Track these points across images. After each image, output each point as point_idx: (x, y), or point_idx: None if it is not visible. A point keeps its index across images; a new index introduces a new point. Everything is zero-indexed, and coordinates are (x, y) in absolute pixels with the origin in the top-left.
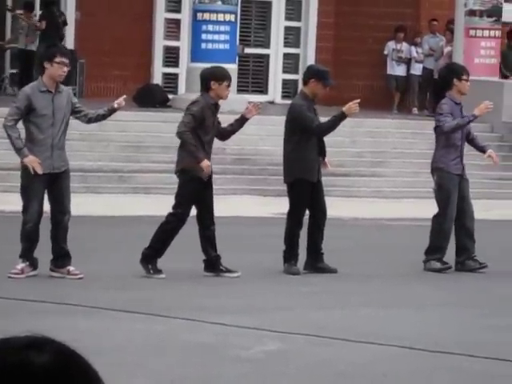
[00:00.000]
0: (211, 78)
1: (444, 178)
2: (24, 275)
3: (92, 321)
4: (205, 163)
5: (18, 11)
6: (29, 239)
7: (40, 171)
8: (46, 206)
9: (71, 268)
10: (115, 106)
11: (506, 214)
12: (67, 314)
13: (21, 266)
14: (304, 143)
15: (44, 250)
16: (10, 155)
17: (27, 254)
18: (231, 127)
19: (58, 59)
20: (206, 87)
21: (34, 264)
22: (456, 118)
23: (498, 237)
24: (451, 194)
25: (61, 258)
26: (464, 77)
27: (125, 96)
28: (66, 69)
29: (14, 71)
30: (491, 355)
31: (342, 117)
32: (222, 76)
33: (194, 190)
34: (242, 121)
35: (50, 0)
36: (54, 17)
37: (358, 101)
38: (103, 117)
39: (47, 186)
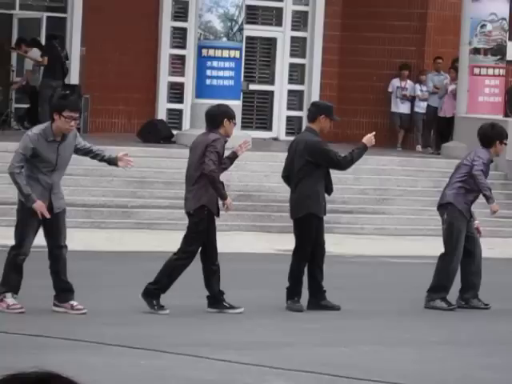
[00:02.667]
0: (224, 116)
1: (455, 216)
2: (18, 310)
3: (96, 356)
4: (229, 200)
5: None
6: (20, 272)
7: (48, 216)
8: (38, 241)
9: (74, 303)
10: (118, 163)
11: (509, 252)
12: (71, 349)
13: (11, 300)
14: (317, 179)
15: (46, 286)
16: (12, 189)
17: (17, 289)
18: (224, 165)
19: (66, 113)
20: (217, 125)
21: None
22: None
23: (501, 275)
24: (461, 233)
25: (63, 292)
26: (505, 141)
27: (131, 161)
28: (73, 123)
29: (19, 106)
30: None
31: (364, 148)
32: (233, 115)
33: (206, 228)
34: (233, 158)
35: (52, 34)
36: (56, 51)
37: (374, 133)
38: (103, 161)
39: (42, 222)
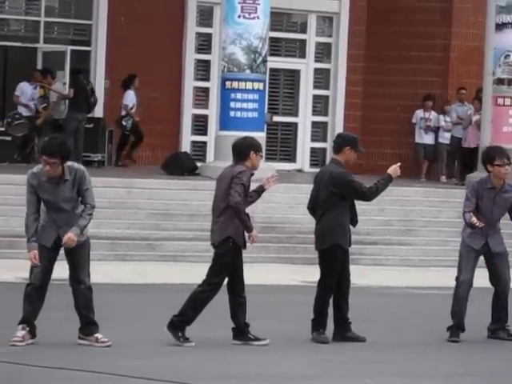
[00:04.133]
0: (251, 149)
1: (461, 244)
2: (24, 343)
3: None
4: (255, 232)
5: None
6: (29, 302)
7: (35, 263)
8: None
9: (99, 335)
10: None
11: None
12: (96, 381)
13: (21, 333)
14: (343, 211)
15: (72, 318)
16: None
17: (27, 320)
18: (251, 198)
19: (43, 157)
20: (243, 157)
21: (32, 332)
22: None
23: None
24: (462, 259)
25: (86, 325)
26: (496, 162)
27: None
28: (48, 167)
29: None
30: None
31: (390, 179)
32: (259, 147)
33: (233, 259)
34: (260, 191)
35: (78, 68)
36: (81, 85)
37: (400, 164)
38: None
39: (66, 257)
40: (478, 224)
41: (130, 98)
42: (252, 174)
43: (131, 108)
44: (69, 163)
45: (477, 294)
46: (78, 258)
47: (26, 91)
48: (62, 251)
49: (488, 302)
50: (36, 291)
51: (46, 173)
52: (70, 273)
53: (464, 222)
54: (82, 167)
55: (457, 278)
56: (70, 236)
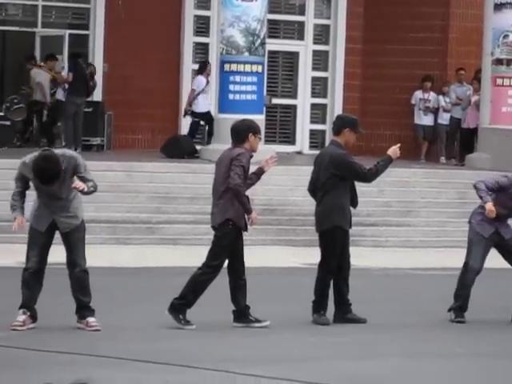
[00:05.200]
0: (249, 131)
1: (470, 230)
2: (25, 327)
3: (122, 372)
4: (254, 214)
5: (39, 64)
6: (28, 287)
7: (14, 227)
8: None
9: (90, 319)
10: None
11: None
12: (97, 365)
13: (22, 317)
14: (343, 192)
15: (72, 302)
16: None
17: (27, 305)
18: (250, 180)
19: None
20: (242, 139)
21: (34, 316)
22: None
23: None
24: (472, 245)
25: (79, 309)
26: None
27: None
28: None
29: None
30: None
31: (389, 160)
32: (258, 129)
33: (233, 241)
34: (259, 173)
35: (77, 52)
36: (80, 69)
37: (399, 145)
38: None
39: (62, 241)
40: (492, 214)
41: (198, 82)
42: (251, 156)
43: (198, 94)
44: (60, 152)
45: (482, 274)
46: (73, 242)
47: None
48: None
49: (492, 284)
50: (33, 275)
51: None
52: (66, 256)
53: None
54: (74, 154)
55: (465, 264)
56: (81, 183)
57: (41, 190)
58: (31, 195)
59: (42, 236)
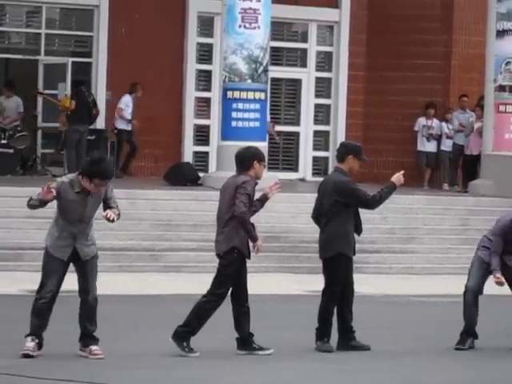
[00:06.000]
0: (254, 158)
1: (474, 255)
2: (36, 353)
3: None
4: (260, 242)
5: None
6: (39, 316)
7: (48, 197)
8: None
9: (93, 347)
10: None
11: None
12: None
13: (31, 344)
14: (347, 219)
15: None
16: (42, 234)
17: (36, 333)
18: (254, 207)
19: (96, 181)
20: (247, 167)
21: (40, 344)
22: None
23: None
24: (472, 267)
25: (85, 337)
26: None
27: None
28: (103, 188)
29: (45, 151)
30: None
31: (393, 187)
32: (263, 156)
33: (238, 269)
34: (263, 200)
35: (80, 80)
36: (83, 97)
37: (403, 172)
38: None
39: (75, 268)
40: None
41: (124, 101)
42: (256, 184)
43: (124, 112)
44: None
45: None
46: (89, 269)
47: None
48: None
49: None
50: (47, 305)
51: (97, 193)
52: (79, 283)
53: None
54: None
55: (465, 286)
56: (112, 212)
57: (68, 211)
58: (46, 222)
59: (62, 265)
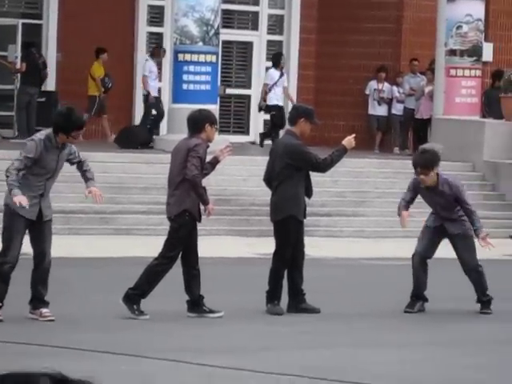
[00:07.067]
0: (207, 121)
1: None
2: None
3: (76, 362)
4: (211, 205)
5: None
6: (4, 281)
7: (25, 204)
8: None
9: (43, 310)
10: (87, 193)
11: (486, 253)
12: (51, 355)
13: None
14: (297, 182)
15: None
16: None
17: (1, 299)
18: (206, 170)
19: (74, 133)
20: (199, 130)
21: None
22: None
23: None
24: (421, 233)
25: (36, 300)
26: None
27: (101, 198)
28: (80, 137)
29: None
30: None
31: (344, 151)
32: (215, 119)
33: (188, 232)
34: (214, 163)
35: (30, 41)
36: (33, 59)
37: (354, 135)
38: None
39: (29, 231)
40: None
41: (147, 67)
42: (207, 147)
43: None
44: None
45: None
46: (47, 232)
47: None
48: None
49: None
50: (12, 269)
51: (74, 142)
52: (34, 247)
53: None
54: None
55: (415, 249)
56: (97, 190)
57: (44, 167)
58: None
59: (26, 225)
